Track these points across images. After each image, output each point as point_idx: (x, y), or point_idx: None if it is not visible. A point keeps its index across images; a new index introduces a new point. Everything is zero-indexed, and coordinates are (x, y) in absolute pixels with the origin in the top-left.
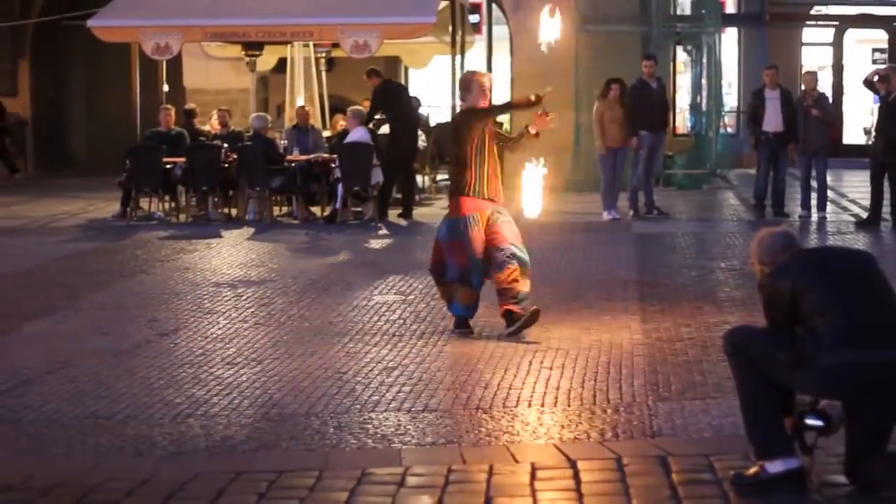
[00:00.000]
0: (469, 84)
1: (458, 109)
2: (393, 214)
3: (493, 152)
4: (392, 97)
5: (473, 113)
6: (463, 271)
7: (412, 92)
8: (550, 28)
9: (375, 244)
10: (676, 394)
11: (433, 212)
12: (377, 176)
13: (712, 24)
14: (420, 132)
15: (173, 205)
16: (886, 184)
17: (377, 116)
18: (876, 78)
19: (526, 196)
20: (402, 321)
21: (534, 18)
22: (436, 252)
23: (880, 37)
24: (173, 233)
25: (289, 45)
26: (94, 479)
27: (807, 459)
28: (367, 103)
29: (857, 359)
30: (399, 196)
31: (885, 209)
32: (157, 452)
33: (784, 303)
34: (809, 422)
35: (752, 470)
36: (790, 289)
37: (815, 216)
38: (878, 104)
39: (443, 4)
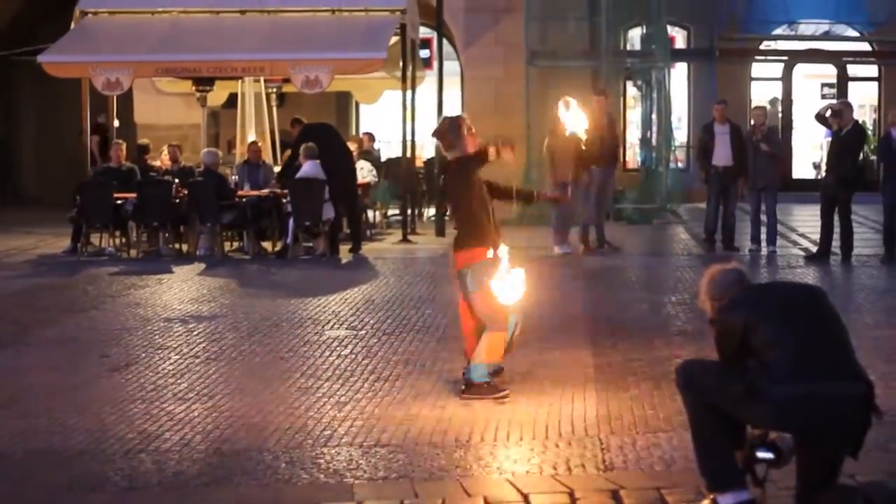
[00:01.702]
0: (458, 129)
1: (433, 153)
2: (344, 250)
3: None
4: (316, 137)
5: (471, 160)
6: (499, 314)
7: (363, 126)
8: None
9: (327, 279)
10: (628, 427)
11: (384, 247)
12: (328, 211)
13: (662, 60)
14: (371, 167)
15: (124, 240)
16: (836, 218)
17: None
18: (829, 113)
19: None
20: (353, 356)
21: (484, 54)
22: (466, 313)
23: (829, 72)
24: (124, 268)
25: (240, 81)
26: None
27: (758, 492)
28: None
29: (807, 392)
30: (348, 231)
31: (835, 243)
32: (109, 488)
33: (735, 337)
34: (760, 454)
35: (704, 503)
36: (741, 323)
37: (764, 250)
38: (830, 138)
39: (394, 40)
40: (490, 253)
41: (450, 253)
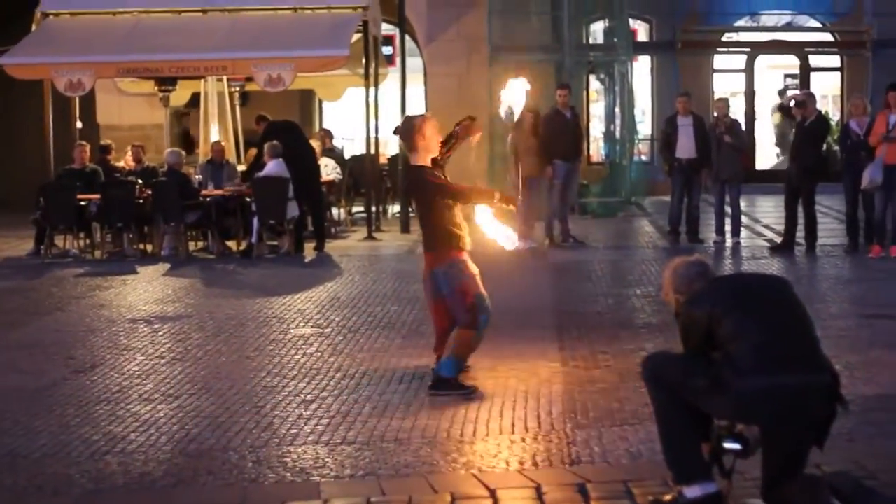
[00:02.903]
0: (420, 130)
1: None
2: (309, 248)
3: None
4: (279, 136)
5: (438, 192)
6: (470, 312)
7: (326, 124)
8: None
9: (292, 278)
10: (594, 421)
11: (349, 244)
12: (293, 210)
13: (624, 53)
14: (335, 164)
15: (88, 242)
16: (800, 208)
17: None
18: (792, 103)
19: (495, 233)
20: (319, 354)
21: (447, 50)
22: (439, 313)
23: (791, 62)
24: (89, 270)
25: (202, 80)
26: None
27: (724, 483)
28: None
29: (772, 383)
30: (313, 229)
31: (799, 234)
32: (75, 491)
33: (700, 330)
34: (727, 445)
35: (671, 496)
36: (706, 315)
37: (729, 242)
38: (794, 130)
39: (356, 37)
40: (463, 254)
41: (420, 252)
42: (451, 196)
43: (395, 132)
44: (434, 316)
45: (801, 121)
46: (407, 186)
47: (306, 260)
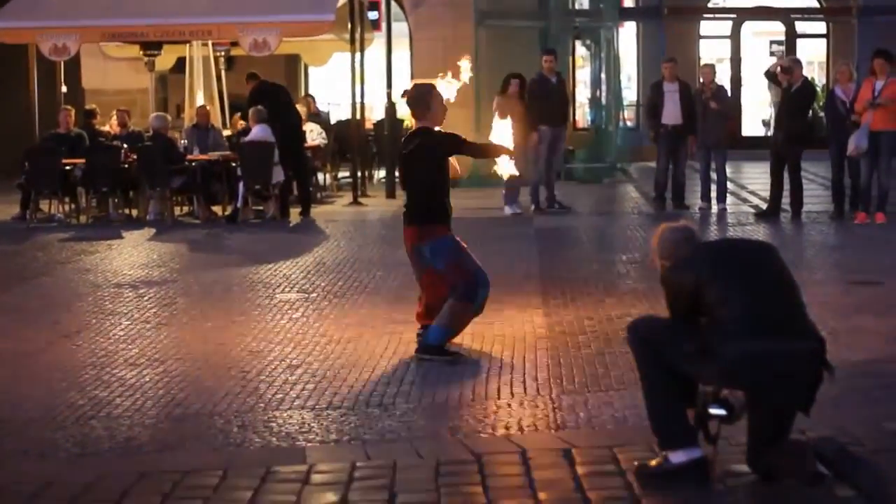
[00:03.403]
0: (429, 98)
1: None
2: (295, 213)
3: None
4: (267, 98)
5: (455, 144)
6: (469, 286)
7: (312, 89)
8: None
9: (277, 243)
10: (580, 386)
11: (335, 209)
12: (278, 174)
13: (610, 19)
14: (321, 129)
15: (73, 206)
16: (786, 175)
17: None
18: (778, 70)
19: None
20: (305, 319)
21: (433, 15)
22: (433, 285)
23: (777, 29)
24: (74, 234)
25: (187, 45)
26: None
27: (710, 449)
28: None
29: (758, 348)
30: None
31: (785, 200)
32: (60, 455)
33: (687, 296)
34: (713, 410)
35: (656, 461)
36: (692, 281)
37: (715, 208)
38: (780, 96)
39: (341, 2)
40: (449, 230)
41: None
42: (467, 148)
43: (404, 96)
44: (427, 289)
45: (786, 87)
46: (412, 149)
47: (292, 225)
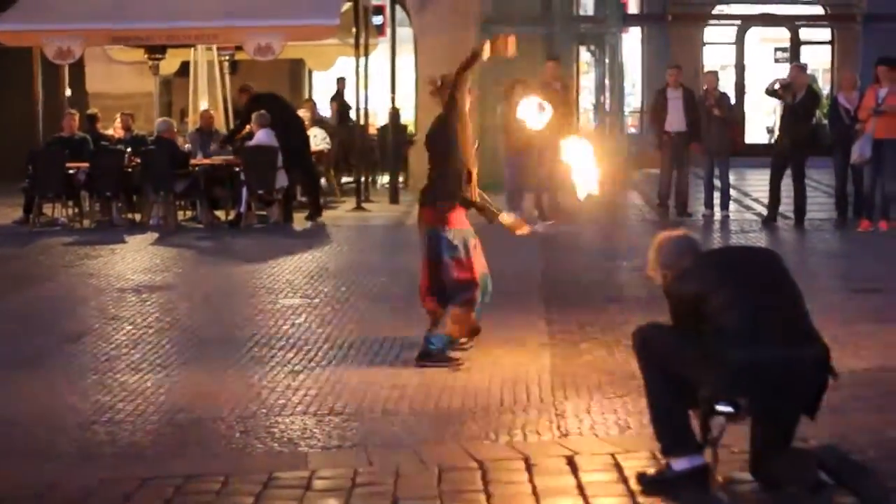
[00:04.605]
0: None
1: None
2: (299, 218)
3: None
4: (263, 107)
5: (461, 71)
6: (470, 291)
7: (316, 94)
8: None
9: (281, 248)
10: (583, 393)
11: (338, 214)
12: (282, 179)
13: (615, 25)
14: (324, 135)
15: (77, 210)
16: (789, 182)
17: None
18: (777, 86)
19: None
20: (307, 324)
21: (437, 20)
22: (432, 274)
23: (782, 36)
24: (77, 239)
25: (192, 49)
26: None
27: (712, 455)
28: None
29: (762, 356)
30: (304, 199)
31: (788, 208)
32: (62, 459)
33: (691, 305)
34: (720, 407)
35: (658, 468)
36: (696, 291)
37: (718, 215)
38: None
39: (346, 6)
40: (466, 220)
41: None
42: (462, 146)
43: (431, 83)
44: (423, 275)
45: (789, 100)
46: (432, 128)
47: (295, 230)
